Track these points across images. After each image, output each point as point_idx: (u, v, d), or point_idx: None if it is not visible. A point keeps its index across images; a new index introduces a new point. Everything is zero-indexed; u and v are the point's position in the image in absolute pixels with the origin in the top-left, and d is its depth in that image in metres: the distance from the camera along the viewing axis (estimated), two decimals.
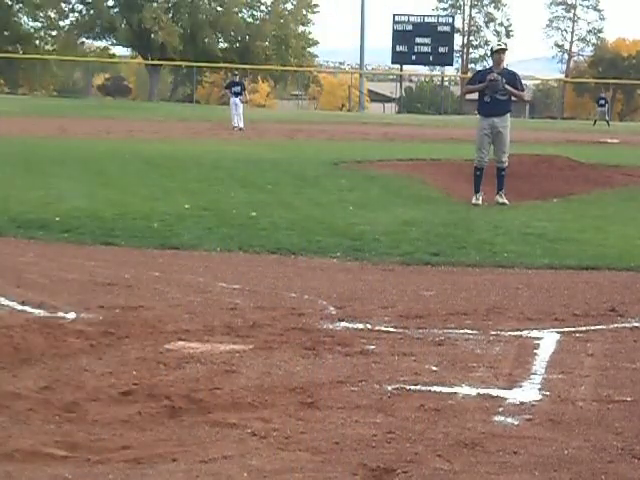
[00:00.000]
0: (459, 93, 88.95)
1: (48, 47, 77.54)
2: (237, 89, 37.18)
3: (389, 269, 10.39)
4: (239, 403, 5.53)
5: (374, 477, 4.47)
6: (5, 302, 8.04)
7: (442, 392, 5.82)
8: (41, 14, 76.63)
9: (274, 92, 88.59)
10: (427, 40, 71.20)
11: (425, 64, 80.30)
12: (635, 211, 15.43)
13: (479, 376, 6.22)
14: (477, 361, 6.58)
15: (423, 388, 5.89)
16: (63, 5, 77.20)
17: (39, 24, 77.71)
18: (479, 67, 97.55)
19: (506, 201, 15.97)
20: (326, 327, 7.56)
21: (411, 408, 5.47)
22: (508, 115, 16.12)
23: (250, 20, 79.56)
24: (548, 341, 7.23)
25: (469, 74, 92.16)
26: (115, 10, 76.74)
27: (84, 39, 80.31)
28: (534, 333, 7.47)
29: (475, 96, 16.76)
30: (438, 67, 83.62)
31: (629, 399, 5.75)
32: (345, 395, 5.71)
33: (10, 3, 75.14)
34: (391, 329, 7.55)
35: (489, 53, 16.74)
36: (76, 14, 78.04)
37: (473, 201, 15.87)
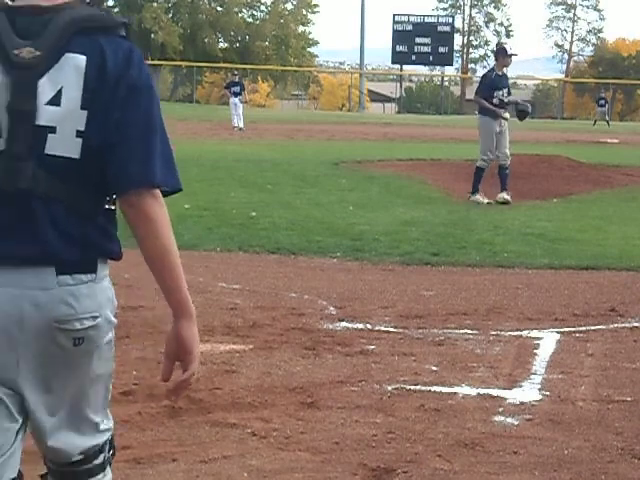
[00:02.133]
0: (459, 93, 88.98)
1: None
2: (237, 89, 37.15)
3: (389, 269, 10.39)
4: (239, 403, 5.53)
5: (374, 477, 4.47)
6: None
7: (442, 392, 5.82)
8: None
9: (274, 92, 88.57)
10: (427, 40, 71.12)
11: (425, 64, 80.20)
12: (635, 211, 15.43)
13: (479, 376, 6.22)
14: (477, 361, 6.58)
15: (423, 388, 5.89)
16: None
17: None
18: (479, 67, 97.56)
19: (509, 198, 15.96)
20: (326, 327, 7.57)
21: (411, 408, 5.48)
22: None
23: (250, 20, 79.51)
24: (548, 341, 7.24)
25: (469, 74, 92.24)
26: (115, 10, 76.84)
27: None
28: (534, 333, 7.47)
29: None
30: (438, 67, 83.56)
31: (629, 399, 5.76)
32: (345, 395, 5.72)
33: (10, 3, 75.25)
34: (391, 329, 7.55)
35: (499, 53, 16.47)
36: None
37: (480, 200, 15.84)
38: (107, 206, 2.78)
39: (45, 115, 2.63)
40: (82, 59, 2.65)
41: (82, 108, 2.64)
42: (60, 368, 2.73)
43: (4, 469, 2.71)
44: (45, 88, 2.64)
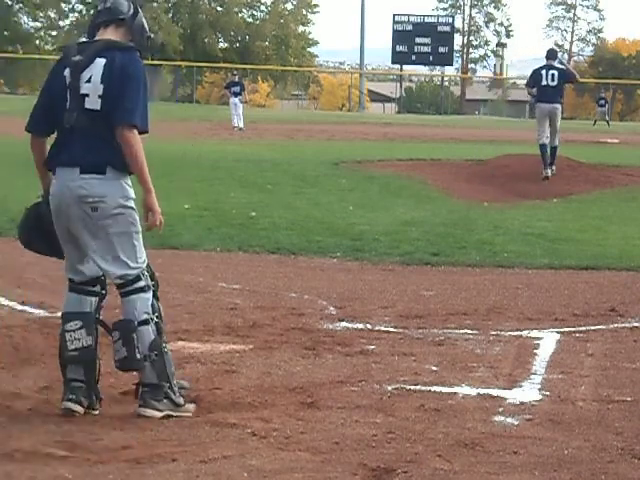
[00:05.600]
0: (459, 93, 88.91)
1: (48, 47, 77.47)
2: (237, 89, 37.08)
3: (389, 269, 10.40)
4: (239, 403, 5.53)
5: (374, 477, 4.47)
6: (5, 302, 8.05)
7: (442, 392, 5.82)
8: (41, 14, 76.51)
9: (274, 92, 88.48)
10: (427, 40, 70.96)
11: (425, 64, 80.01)
12: (635, 211, 15.42)
13: (479, 376, 6.22)
14: (477, 361, 6.58)
15: (423, 388, 5.90)
16: (63, 5, 77.13)
17: (39, 24, 77.60)
18: (479, 67, 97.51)
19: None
20: (326, 327, 7.57)
21: (411, 408, 5.48)
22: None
23: (250, 20, 79.41)
24: (548, 341, 7.24)
25: (469, 74, 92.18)
26: None
27: (84, 39, 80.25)
28: (534, 333, 7.47)
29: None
30: (438, 67, 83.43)
31: (629, 399, 5.76)
32: (345, 395, 5.72)
33: (10, 3, 75.05)
34: (391, 329, 7.55)
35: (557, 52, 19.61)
36: (76, 14, 77.99)
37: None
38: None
39: (84, 88, 5.24)
40: (103, 61, 5.27)
41: (100, 83, 5.22)
42: (93, 226, 5.18)
43: (92, 266, 5.29)
44: (85, 75, 5.26)
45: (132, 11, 5.49)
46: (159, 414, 5.21)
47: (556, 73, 18.30)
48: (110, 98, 5.19)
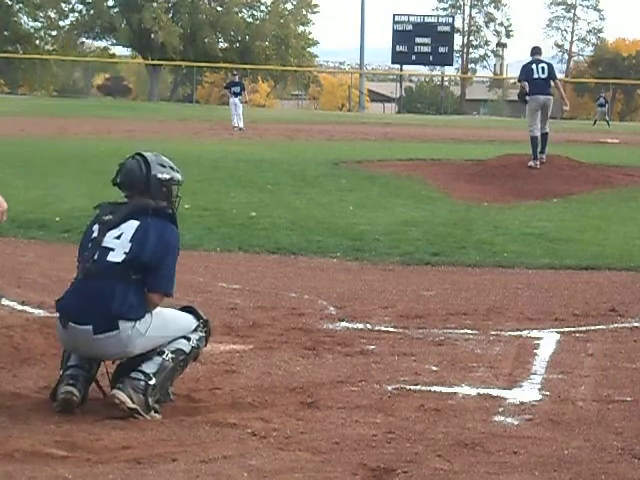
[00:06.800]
0: (459, 93, 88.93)
1: (48, 47, 77.43)
2: (236, 89, 37.08)
3: (389, 269, 10.40)
4: (239, 403, 5.54)
5: (374, 477, 4.47)
6: (5, 302, 8.04)
7: (442, 392, 5.83)
8: (41, 14, 76.50)
9: (274, 92, 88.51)
10: (427, 40, 71.00)
11: (425, 64, 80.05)
12: (635, 211, 15.41)
13: (479, 376, 6.23)
14: (477, 361, 6.59)
15: (423, 388, 5.90)
16: (63, 5, 77.10)
17: (39, 24, 77.57)
18: (479, 67, 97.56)
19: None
20: (326, 327, 7.57)
21: (411, 408, 5.48)
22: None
23: (250, 20, 79.46)
24: (548, 341, 7.24)
25: (469, 74, 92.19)
26: (115, 10, 76.74)
27: (84, 39, 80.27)
28: (534, 333, 7.47)
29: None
30: (438, 67, 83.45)
31: (629, 399, 5.76)
32: (345, 395, 5.72)
33: (10, 3, 75.02)
34: (391, 329, 7.55)
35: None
36: (76, 14, 77.96)
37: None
38: (134, 279, 5.45)
39: (111, 243, 5.49)
40: (136, 223, 5.53)
41: (129, 242, 5.46)
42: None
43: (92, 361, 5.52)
44: (113, 232, 5.51)
45: (144, 172, 5.60)
46: (130, 404, 5.23)
47: (545, 66, 19.01)
48: (137, 255, 5.42)
